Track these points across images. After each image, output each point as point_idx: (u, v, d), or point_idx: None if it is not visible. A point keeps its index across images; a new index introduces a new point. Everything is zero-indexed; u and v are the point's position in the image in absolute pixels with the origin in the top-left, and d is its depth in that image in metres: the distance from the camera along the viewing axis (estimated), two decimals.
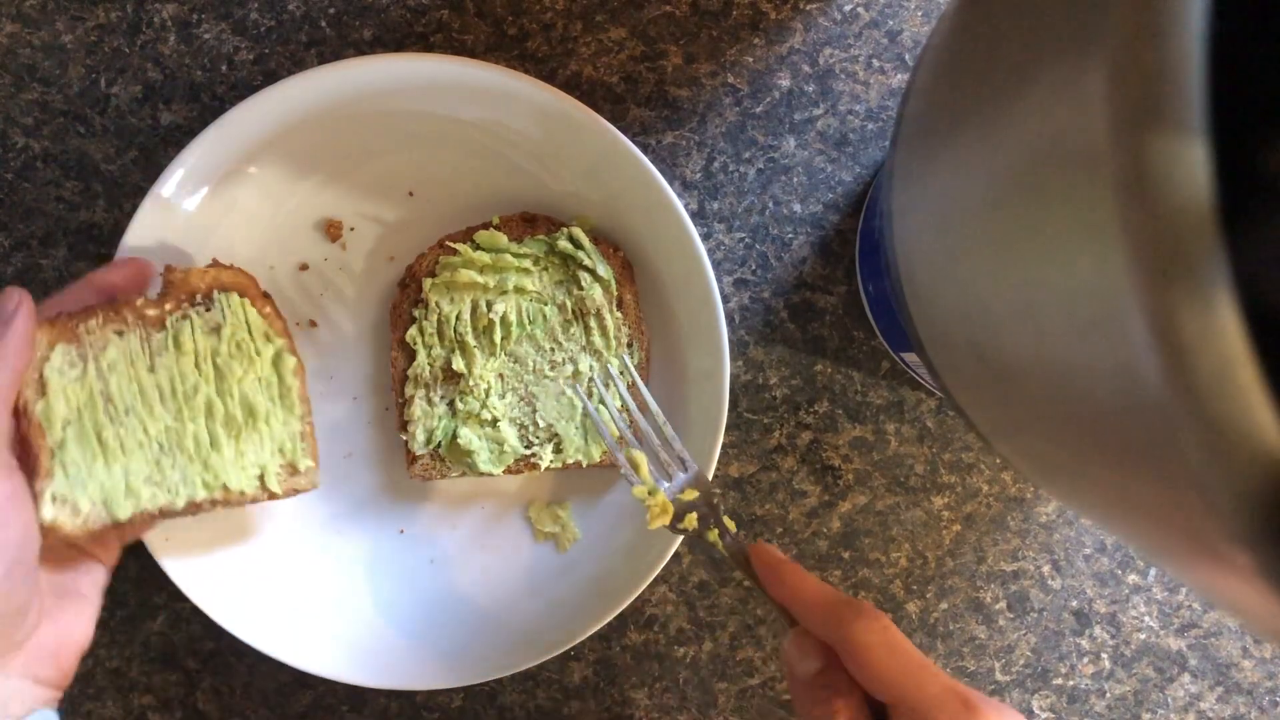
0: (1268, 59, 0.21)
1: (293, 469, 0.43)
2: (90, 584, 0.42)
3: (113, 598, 0.48)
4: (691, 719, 0.49)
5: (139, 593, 0.49)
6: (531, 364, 0.46)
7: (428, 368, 0.46)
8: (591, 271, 0.46)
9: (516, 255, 0.46)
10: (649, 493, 0.41)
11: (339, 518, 0.48)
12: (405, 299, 0.47)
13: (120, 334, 0.42)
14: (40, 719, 0.38)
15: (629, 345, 0.47)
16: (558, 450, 0.46)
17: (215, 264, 0.43)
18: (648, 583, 0.45)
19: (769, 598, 0.38)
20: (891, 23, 0.49)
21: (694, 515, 0.41)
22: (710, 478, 0.45)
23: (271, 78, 0.48)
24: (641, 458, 0.42)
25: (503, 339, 0.46)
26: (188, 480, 0.42)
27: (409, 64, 0.44)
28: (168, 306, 0.42)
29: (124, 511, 0.41)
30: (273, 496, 0.43)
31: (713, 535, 0.41)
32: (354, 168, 0.47)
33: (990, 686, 0.49)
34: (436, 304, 0.46)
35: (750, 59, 0.49)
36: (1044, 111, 0.20)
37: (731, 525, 0.41)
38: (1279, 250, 0.20)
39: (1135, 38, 0.16)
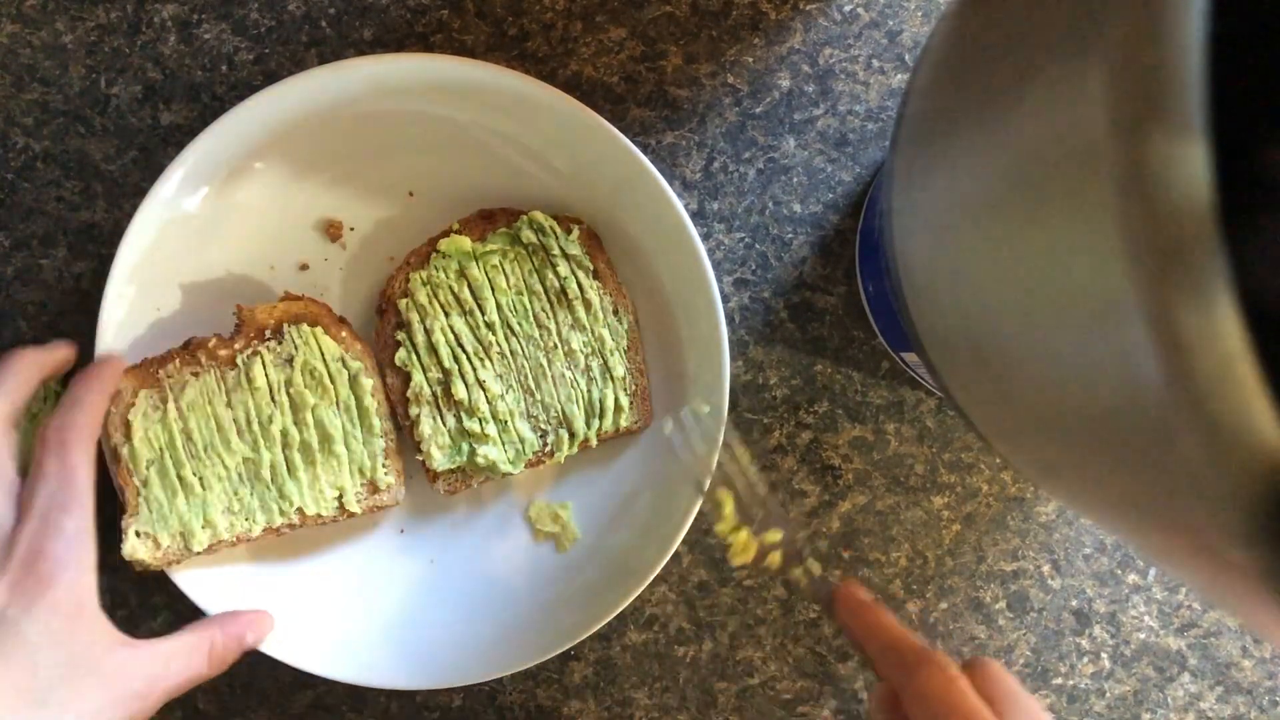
0: (1268, 59, 0.21)
1: (373, 487, 0.45)
2: None
3: (113, 598, 0.48)
4: (691, 719, 0.49)
5: (139, 593, 0.49)
6: (527, 354, 0.46)
7: (425, 386, 0.46)
8: (561, 252, 0.46)
9: (482, 255, 0.46)
10: (732, 529, 0.42)
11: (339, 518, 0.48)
12: (386, 325, 0.46)
13: (196, 375, 0.44)
14: None
15: (615, 313, 0.47)
16: (572, 435, 0.46)
17: (286, 297, 0.45)
18: (647, 583, 0.45)
19: (850, 640, 0.37)
20: (891, 23, 0.49)
21: (777, 554, 0.41)
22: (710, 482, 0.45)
23: (271, 78, 0.48)
24: (727, 497, 0.43)
25: (494, 340, 0.46)
26: (265, 508, 0.45)
27: (409, 63, 0.44)
28: (238, 345, 0.44)
29: (201, 543, 0.44)
30: (351, 516, 0.45)
31: (796, 573, 0.41)
32: (355, 168, 0.47)
33: None
34: (420, 323, 0.46)
35: (750, 59, 0.49)
36: (1044, 111, 0.20)
37: (816, 568, 0.40)
38: (1279, 250, 0.20)
39: (1135, 38, 0.16)
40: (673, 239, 0.45)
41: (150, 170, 0.48)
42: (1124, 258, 0.16)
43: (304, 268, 0.48)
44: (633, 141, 0.44)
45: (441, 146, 0.47)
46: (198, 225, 0.46)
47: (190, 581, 0.45)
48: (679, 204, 0.44)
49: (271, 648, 0.45)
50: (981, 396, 0.29)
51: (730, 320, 0.49)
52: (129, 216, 0.48)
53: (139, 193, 0.48)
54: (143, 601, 0.49)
